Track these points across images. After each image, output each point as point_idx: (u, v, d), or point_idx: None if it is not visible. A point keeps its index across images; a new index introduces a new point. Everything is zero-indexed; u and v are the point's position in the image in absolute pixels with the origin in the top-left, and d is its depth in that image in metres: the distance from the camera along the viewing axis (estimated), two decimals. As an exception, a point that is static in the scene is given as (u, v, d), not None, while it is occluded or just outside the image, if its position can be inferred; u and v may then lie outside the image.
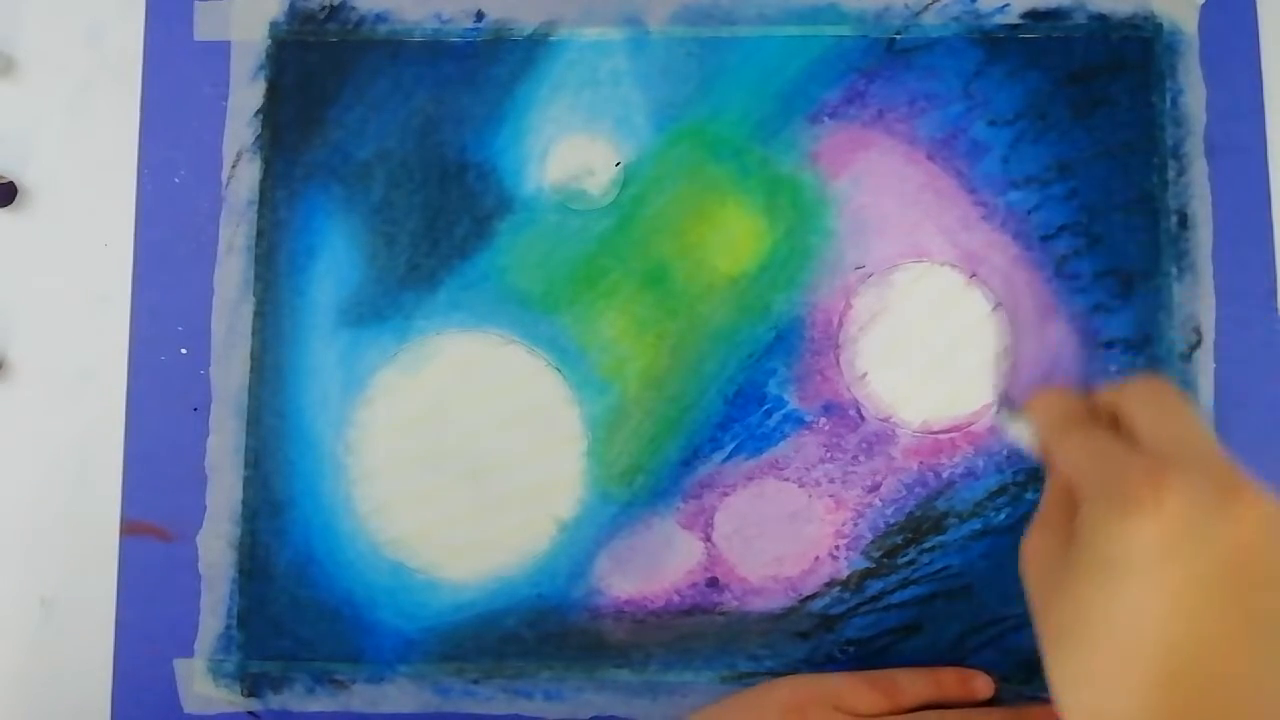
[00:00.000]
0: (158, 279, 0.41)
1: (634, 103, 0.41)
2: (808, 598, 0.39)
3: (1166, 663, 0.29)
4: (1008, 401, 0.37)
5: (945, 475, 0.39)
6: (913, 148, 0.40)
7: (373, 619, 0.39)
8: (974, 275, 0.40)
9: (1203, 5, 0.40)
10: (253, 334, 0.40)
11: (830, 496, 0.39)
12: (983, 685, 0.37)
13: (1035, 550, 0.32)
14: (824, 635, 0.39)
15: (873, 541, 0.39)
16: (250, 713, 0.39)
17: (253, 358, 0.40)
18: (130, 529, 0.40)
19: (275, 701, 0.39)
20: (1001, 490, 0.39)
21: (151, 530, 0.40)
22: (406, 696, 0.39)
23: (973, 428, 0.39)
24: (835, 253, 0.40)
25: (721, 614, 0.39)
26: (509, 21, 0.41)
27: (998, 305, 0.39)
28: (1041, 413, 0.33)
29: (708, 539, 0.39)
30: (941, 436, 0.39)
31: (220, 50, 0.42)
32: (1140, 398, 0.31)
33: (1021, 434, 0.33)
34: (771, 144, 0.40)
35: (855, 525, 0.39)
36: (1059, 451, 0.31)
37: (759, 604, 0.39)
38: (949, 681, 0.37)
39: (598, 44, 0.41)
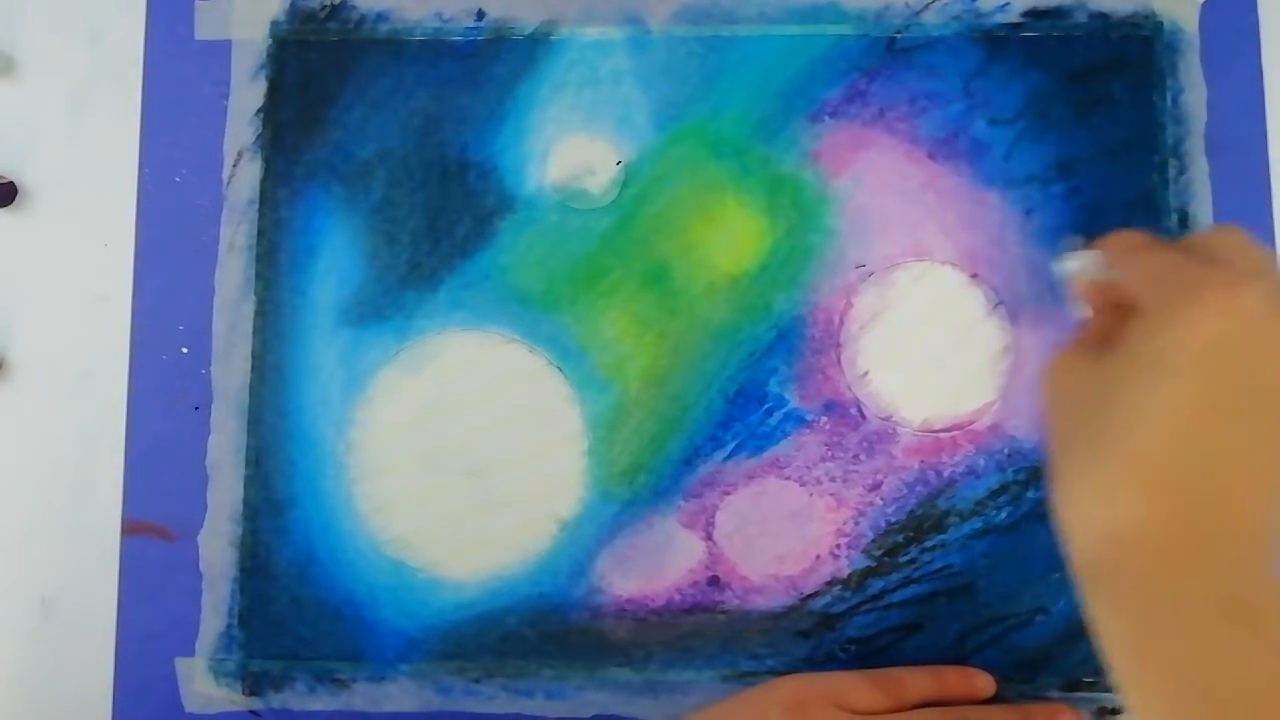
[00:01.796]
0: (158, 278, 0.41)
1: (635, 102, 0.41)
2: (809, 596, 0.39)
3: (1182, 471, 0.29)
4: (1072, 241, 0.36)
5: (946, 474, 0.39)
6: (913, 146, 0.40)
7: (374, 618, 0.39)
8: (975, 274, 0.40)
9: (1203, 4, 0.40)
10: (254, 333, 0.40)
11: (831, 495, 0.39)
12: (984, 683, 0.37)
13: (1063, 365, 0.33)
14: (825, 634, 0.39)
15: (874, 540, 0.39)
16: (251, 711, 0.39)
17: (254, 357, 0.40)
18: (131, 528, 0.40)
19: (276, 700, 0.39)
20: (1003, 489, 0.39)
21: (153, 529, 0.40)
22: (408, 695, 0.39)
23: (974, 426, 0.39)
24: (836, 252, 0.40)
25: (723, 613, 0.39)
26: (510, 21, 0.41)
27: (998, 304, 0.39)
28: (1116, 242, 0.34)
29: (709, 538, 0.39)
30: (942, 435, 0.39)
31: (221, 49, 0.42)
32: (1219, 235, 0.32)
33: (1086, 267, 0.34)
34: (772, 143, 0.40)
35: (856, 524, 0.39)
36: (1132, 266, 0.32)
37: (760, 603, 0.39)
38: (951, 679, 0.37)
39: (599, 43, 0.41)
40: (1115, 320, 0.32)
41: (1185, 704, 0.29)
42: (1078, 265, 0.35)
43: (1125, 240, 0.34)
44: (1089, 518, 0.30)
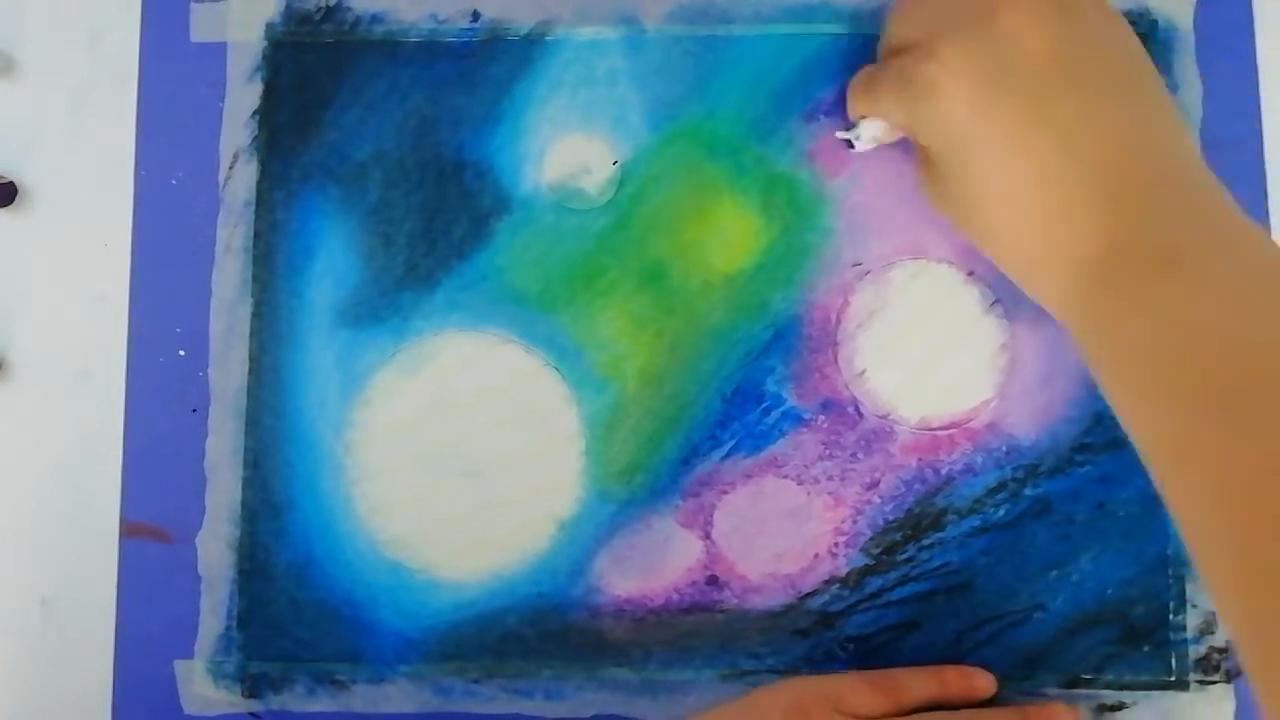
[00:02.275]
0: (155, 280, 0.41)
1: (630, 102, 0.41)
2: (807, 595, 0.39)
3: (1097, 163, 0.31)
4: (846, 127, 0.39)
5: (944, 472, 0.39)
6: (910, 145, 0.40)
7: (373, 619, 0.39)
8: (971, 272, 0.40)
9: (1198, 0, 0.40)
10: (251, 335, 0.40)
11: (829, 494, 0.39)
12: (985, 683, 0.37)
13: (925, 182, 0.37)
14: (824, 633, 0.39)
15: (872, 539, 0.39)
16: (251, 713, 0.39)
17: (251, 359, 0.40)
18: (129, 530, 0.40)
19: (275, 702, 0.39)
20: (1000, 486, 0.39)
21: (151, 532, 0.40)
22: (407, 696, 0.39)
23: (971, 424, 0.39)
24: (832, 250, 0.40)
25: (721, 612, 0.39)
26: (505, 21, 0.41)
27: (995, 302, 0.39)
28: (854, 91, 0.37)
29: (707, 537, 0.39)
30: (940, 433, 0.39)
31: (217, 51, 0.42)
32: None
33: (874, 135, 0.37)
34: (768, 142, 0.40)
35: (854, 522, 0.39)
36: (875, 91, 0.36)
37: (758, 602, 0.39)
38: (951, 680, 0.37)
39: (594, 43, 0.41)
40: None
41: (1131, 368, 0.30)
42: (868, 134, 0.37)
43: (859, 86, 0.37)
44: (1045, 250, 0.32)
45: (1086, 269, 0.31)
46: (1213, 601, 0.28)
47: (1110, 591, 0.38)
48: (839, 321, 0.40)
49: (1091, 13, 0.33)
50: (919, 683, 0.37)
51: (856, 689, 0.36)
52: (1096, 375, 0.32)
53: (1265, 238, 0.31)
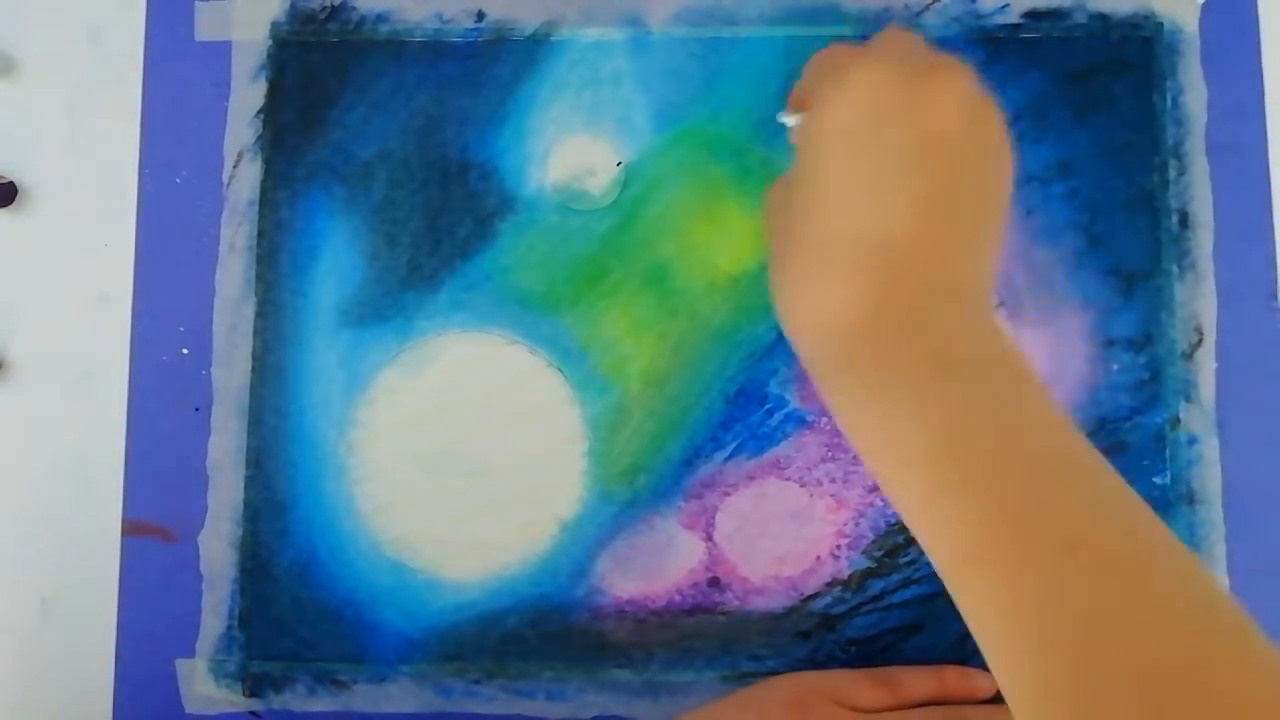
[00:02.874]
0: (159, 279, 0.41)
1: (635, 103, 0.41)
2: (809, 597, 0.39)
3: (868, 248, 0.30)
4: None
5: (947, 475, 0.39)
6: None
7: (374, 619, 0.39)
8: (975, 275, 0.40)
9: (1203, 4, 0.40)
10: (254, 334, 0.40)
11: (832, 496, 0.39)
12: (985, 683, 0.37)
13: (771, 193, 0.34)
14: (825, 635, 0.39)
15: (874, 541, 0.39)
16: (252, 713, 0.39)
17: (254, 358, 0.40)
18: (132, 529, 0.40)
19: (277, 702, 0.39)
20: (1003, 489, 0.39)
21: (153, 530, 0.40)
22: (408, 696, 0.39)
23: (974, 427, 0.39)
24: (836, 252, 0.40)
25: (723, 614, 0.39)
26: (510, 22, 0.41)
27: (999, 304, 0.39)
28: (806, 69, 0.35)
29: (709, 539, 0.39)
30: (943, 436, 0.39)
31: (221, 50, 0.42)
32: (880, 36, 0.33)
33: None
34: (773, 144, 0.40)
35: (857, 525, 0.39)
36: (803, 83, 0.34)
37: (760, 604, 0.39)
38: (951, 679, 0.37)
39: (599, 44, 0.41)
40: None
41: (910, 467, 0.29)
42: (795, 120, 0.35)
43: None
44: (802, 314, 0.31)
45: (858, 350, 0.30)
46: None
47: (1113, 595, 0.38)
48: (842, 324, 0.40)
49: (990, 140, 0.32)
50: (919, 680, 0.37)
51: (856, 683, 0.36)
52: (854, 443, 0.31)
53: (1022, 355, 0.31)
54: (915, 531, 0.30)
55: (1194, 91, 0.40)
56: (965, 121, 0.30)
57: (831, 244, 0.30)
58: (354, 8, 0.41)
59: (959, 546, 0.28)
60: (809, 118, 0.32)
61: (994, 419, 0.28)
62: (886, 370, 0.30)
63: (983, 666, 0.38)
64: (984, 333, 0.30)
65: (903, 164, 0.30)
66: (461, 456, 0.40)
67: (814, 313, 0.31)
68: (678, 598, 0.39)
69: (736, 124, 0.40)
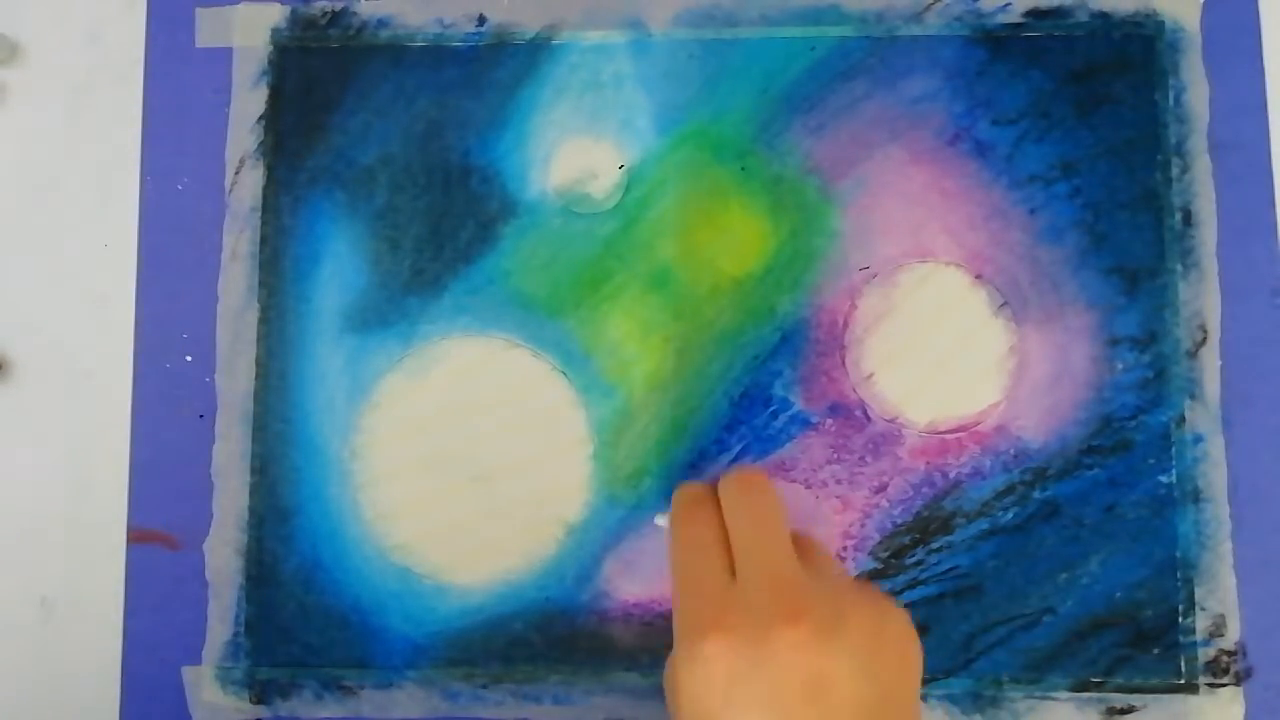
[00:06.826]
0: (161, 286, 0.41)
1: (637, 105, 0.41)
2: (816, 599, 0.39)
3: None
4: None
5: (952, 475, 0.39)
6: (916, 148, 0.40)
7: (380, 624, 0.39)
8: (979, 275, 0.40)
9: (1205, 2, 0.40)
10: (258, 340, 0.40)
11: (837, 498, 0.39)
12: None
13: (666, 670, 0.32)
14: (832, 636, 0.39)
15: (880, 542, 0.39)
16: (259, 720, 0.39)
17: (258, 364, 0.40)
18: (136, 537, 0.40)
19: (284, 708, 0.39)
20: (1009, 490, 0.39)
21: (158, 538, 0.40)
22: (415, 702, 0.39)
23: (979, 427, 0.39)
24: (840, 254, 0.40)
25: (729, 616, 0.39)
26: (511, 26, 0.41)
27: (1003, 305, 0.39)
28: (675, 503, 0.35)
29: (715, 541, 0.39)
30: (948, 436, 0.39)
31: (222, 56, 0.42)
32: (730, 494, 0.33)
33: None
34: (775, 146, 0.40)
35: (862, 526, 0.39)
36: (673, 552, 0.34)
37: (767, 606, 0.39)
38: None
39: (600, 47, 0.41)
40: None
41: None
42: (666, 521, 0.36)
43: (678, 501, 0.35)
44: None
45: None
46: None
47: (1119, 594, 0.38)
48: (846, 325, 0.40)
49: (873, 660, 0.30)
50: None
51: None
52: None
53: None
54: None
55: (1196, 89, 0.40)
56: (828, 662, 0.29)
57: None
58: (354, 13, 0.41)
59: None
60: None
61: None
62: None
63: (987, 666, 0.38)
64: None
65: (791, 714, 0.29)
66: (466, 461, 0.40)
67: None
68: (684, 600, 0.39)
69: (738, 126, 0.40)
